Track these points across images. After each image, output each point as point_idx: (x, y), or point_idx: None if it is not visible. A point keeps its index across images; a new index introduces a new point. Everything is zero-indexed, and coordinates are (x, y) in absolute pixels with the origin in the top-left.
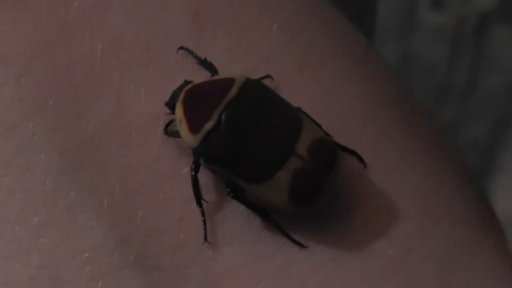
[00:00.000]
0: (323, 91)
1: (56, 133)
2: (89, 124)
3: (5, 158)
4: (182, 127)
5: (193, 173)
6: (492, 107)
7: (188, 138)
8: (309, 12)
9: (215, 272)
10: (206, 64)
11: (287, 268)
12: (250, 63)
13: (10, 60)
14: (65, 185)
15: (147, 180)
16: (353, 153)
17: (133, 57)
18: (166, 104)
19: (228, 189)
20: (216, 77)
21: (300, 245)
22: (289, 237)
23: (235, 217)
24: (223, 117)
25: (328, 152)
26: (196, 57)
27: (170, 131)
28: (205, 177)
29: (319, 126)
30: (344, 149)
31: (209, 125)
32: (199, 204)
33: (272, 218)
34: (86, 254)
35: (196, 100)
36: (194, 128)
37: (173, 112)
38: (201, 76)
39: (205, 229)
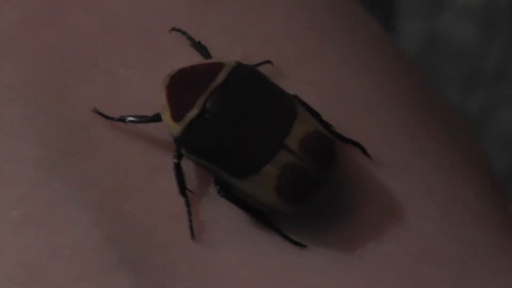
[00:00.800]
0: (328, 79)
1: (37, 121)
2: (74, 111)
3: None
4: (165, 115)
5: (175, 161)
6: None
7: (171, 127)
8: None
9: (209, 272)
10: (200, 47)
11: (288, 270)
12: (248, 45)
13: None
14: (46, 177)
15: (134, 173)
16: (356, 144)
17: (124, 37)
18: None
19: (218, 188)
20: (204, 61)
21: (300, 245)
22: (287, 238)
23: (231, 214)
24: (208, 104)
25: (323, 147)
26: (189, 38)
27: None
28: (197, 171)
29: (318, 115)
30: (347, 140)
31: (192, 112)
32: (183, 194)
33: (267, 219)
34: (68, 252)
35: (181, 85)
36: (177, 115)
37: None
38: (196, 59)
39: (190, 220)
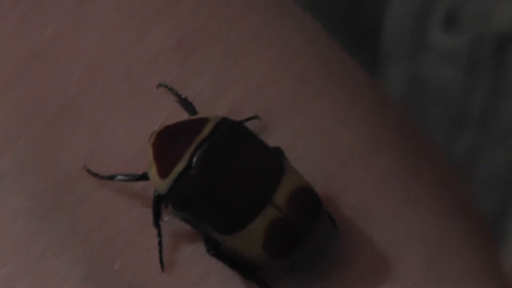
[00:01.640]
0: (320, 129)
1: (27, 174)
2: (63, 164)
3: None
4: (152, 172)
5: (156, 194)
6: None
7: (158, 183)
8: (304, 41)
9: None
10: (186, 104)
11: None
12: (239, 96)
13: None
14: (37, 231)
15: (125, 227)
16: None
17: (112, 89)
18: None
19: (207, 246)
20: (190, 117)
21: None
22: None
23: (220, 269)
24: (194, 159)
25: (311, 202)
26: (175, 94)
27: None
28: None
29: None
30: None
31: (179, 167)
32: (156, 224)
33: (257, 277)
34: None
35: (167, 142)
36: (163, 171)
37: None
38: (184, 111)
39: (160, 251)
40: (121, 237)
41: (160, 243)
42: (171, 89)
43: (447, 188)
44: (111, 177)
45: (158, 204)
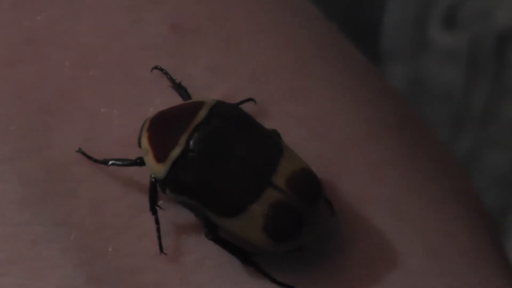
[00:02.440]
0: (314, 114)
1: (19, 161)
2: (56, 151)
3: None
4: (148, 157)
5: (152, 180)
6: None
7: (155, 168)
8: (299, 25)
9: None
10: (179, 89)
11: None
12: (234, 82)
13: None
14: (29, 218)
15: (119, 213)
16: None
17: (106, 75)
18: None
19: (206, 230)
20: (185, 102)
21: (287, 286)
22: (273, 280)
23: (216, 255)
24: (191, 142)
25: (311, 184)
26: (170, 79)
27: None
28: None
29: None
30: None
31: (176, 151)
32: (153, 211)
33: (254, 262)
34: None
35: (162, 127)
36: (160, 156)
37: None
38: (179, 97)
39: (159, 237)
40: (115, 224)
41: (158, 229)
42: (166, 73)
43: (447, 176)
44: (105, 162)
45: (155, 189)
